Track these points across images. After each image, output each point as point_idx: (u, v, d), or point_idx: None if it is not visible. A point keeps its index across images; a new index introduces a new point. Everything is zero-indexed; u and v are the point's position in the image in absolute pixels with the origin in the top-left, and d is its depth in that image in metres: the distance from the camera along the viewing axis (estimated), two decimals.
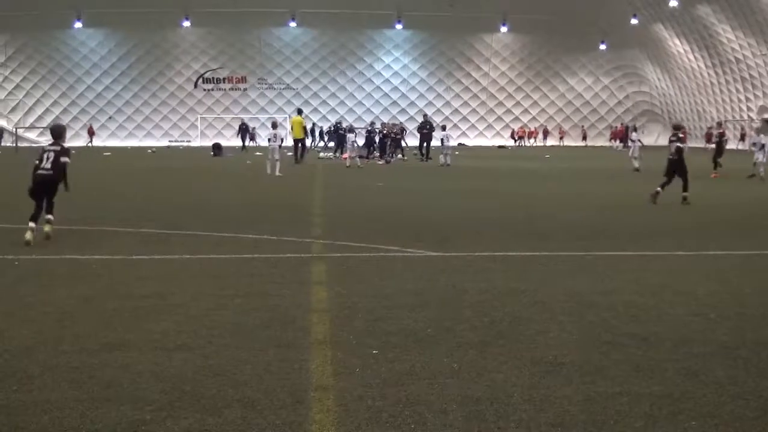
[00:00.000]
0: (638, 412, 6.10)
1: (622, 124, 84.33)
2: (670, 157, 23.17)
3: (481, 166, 43.22)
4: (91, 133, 79.63)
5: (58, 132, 15.99)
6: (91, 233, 16.31)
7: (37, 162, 15.10)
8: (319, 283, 11.16)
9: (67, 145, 15.95)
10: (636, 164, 38.96)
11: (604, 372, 7.09)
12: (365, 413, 6.05)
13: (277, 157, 34.41)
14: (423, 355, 7.56)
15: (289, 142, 49.83)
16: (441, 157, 43.55)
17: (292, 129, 46.68)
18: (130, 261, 12.91)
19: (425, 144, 48.98)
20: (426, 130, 49.21)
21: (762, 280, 11.71)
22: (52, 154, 15.12)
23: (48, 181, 14.99)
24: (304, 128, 48.67)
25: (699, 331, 8.53)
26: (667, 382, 6.81)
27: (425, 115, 56.87)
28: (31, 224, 14.35)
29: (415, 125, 66.68)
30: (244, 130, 68.14)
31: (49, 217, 14.89)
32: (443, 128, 47.92)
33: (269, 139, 35.92)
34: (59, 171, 15.02)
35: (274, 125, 37.19)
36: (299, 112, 48.94)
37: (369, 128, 54.04)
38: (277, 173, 33.70)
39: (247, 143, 66.79)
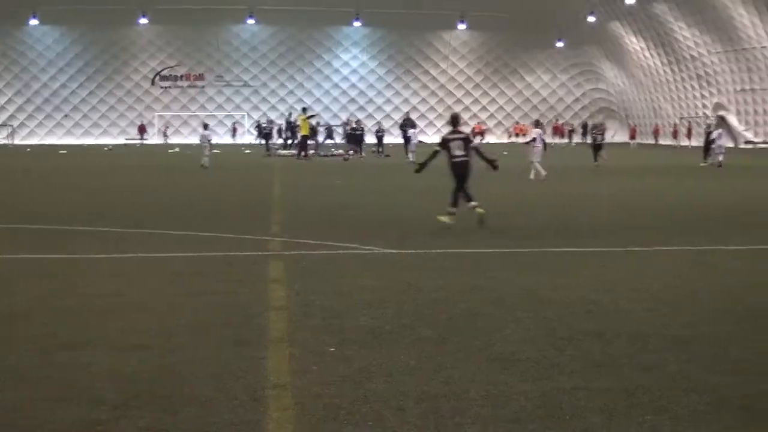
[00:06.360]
0: (594, 406, 6.15)
1: (557, 120, 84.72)
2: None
3: (439, 164, 43.19)
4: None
5: None
6: (47, 233, 16.17)
7: None
8: (276, 281, 11.15)
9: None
10: (720, 158, 40.34)
11: (560, 367, 7.14)
12: (322, 411, 6.05)
13: (206, 153, 38.39)
14: (380, 353, 7.58)
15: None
16: (410, 155, 43.37)
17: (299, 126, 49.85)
18: (87, 260, 12.82)
19: (406, 142, 48.89)
20: (406, 128, 49.15)
21: (715, 275, 11.86)
22: None
23: None
24: (311, 126, 49.86)
25: (654, 326, 8.61)
26: (622, 377, 6.87)
27: (407, 113, 56.84)
28: None
29: (373, 123, 66.74)
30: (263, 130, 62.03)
31: None
32: (413, 126, 47.88)
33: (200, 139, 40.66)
34: None
35: (205, 126, 42.43)
36: (304, 110, 50.91)
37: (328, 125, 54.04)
38: (206, 164, 37.27)
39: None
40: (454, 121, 18.48)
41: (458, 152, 17.23)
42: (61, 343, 7.86)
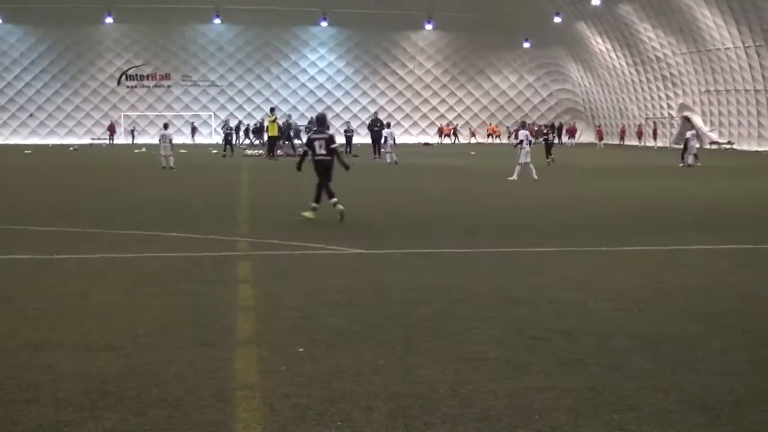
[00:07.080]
0: (562, 406, 6.16)
1: (529, 124, 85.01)
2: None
3: (407, 163, 43.27)
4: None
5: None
6: (12, 232, 16.02)
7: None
8: (244, 281, 11.10)
9: None
10: (689, 160, 41.38)
11: (529, 367, 7.15)
12: (291, 411, 6.02)
13: (167, 153, 37.29)
14: (349, 353, 7.56)
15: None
16: (387, 156, 43.25)
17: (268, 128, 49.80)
18: (52, 260, 12.70)
19: (375, 143, 48.81)
20: (377, 128, 49.11)
21: (683, 274, 11.91)
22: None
23: None
24: (279, 126, 49.33)
25: (622, 325, 8.64)
26: (590, 376, 6.89)
27: (375, 113, 56.80)
28: None
29: (340, 123, 66.70)
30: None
31: None
32: (387, 125, 47.93)
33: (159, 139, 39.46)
34: None
35: (166, 126, 40.87)
36: (272, 111, 50.45)
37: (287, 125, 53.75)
38: (171, 165, 36.54)
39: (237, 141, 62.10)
40: (320, 121, 19.53)
41: (320, 151, 18.34)
42: (25, 344, 7.78)
